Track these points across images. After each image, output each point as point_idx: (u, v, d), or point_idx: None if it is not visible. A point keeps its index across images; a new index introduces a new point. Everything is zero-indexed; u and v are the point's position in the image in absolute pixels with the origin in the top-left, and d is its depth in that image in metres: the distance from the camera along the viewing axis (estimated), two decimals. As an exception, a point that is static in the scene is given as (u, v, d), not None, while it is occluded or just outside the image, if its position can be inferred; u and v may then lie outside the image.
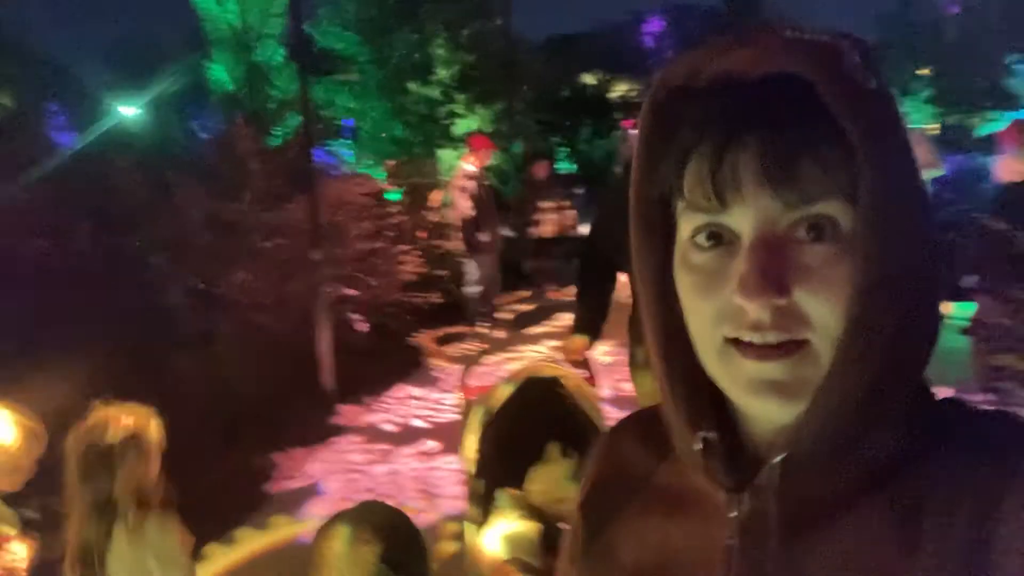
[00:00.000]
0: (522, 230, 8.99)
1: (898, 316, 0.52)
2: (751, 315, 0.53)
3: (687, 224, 0.58)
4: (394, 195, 8.33)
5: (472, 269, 7.33)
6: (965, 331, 4.16)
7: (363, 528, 1.60)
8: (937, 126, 16.80)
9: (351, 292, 5.71)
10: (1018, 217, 3.19)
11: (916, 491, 0.53)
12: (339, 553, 1.56)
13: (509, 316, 7.88)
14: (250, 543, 3.65)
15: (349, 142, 11.61)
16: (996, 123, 8.11)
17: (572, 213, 9.28)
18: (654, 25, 25.16)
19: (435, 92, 11.29)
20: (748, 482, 0.58)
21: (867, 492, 0.54)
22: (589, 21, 23.15)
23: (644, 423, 0.71)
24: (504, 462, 2.26)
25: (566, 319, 6.41)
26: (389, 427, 5.01)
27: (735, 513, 0.58)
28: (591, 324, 2.93)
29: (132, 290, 5.02)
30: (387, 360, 5.95)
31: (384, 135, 11.28)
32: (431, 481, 4.16)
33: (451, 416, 4.91)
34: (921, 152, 7.66)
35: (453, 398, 5.21)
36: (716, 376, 0.58)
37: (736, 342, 0.55)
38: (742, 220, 0.54)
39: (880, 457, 0.54)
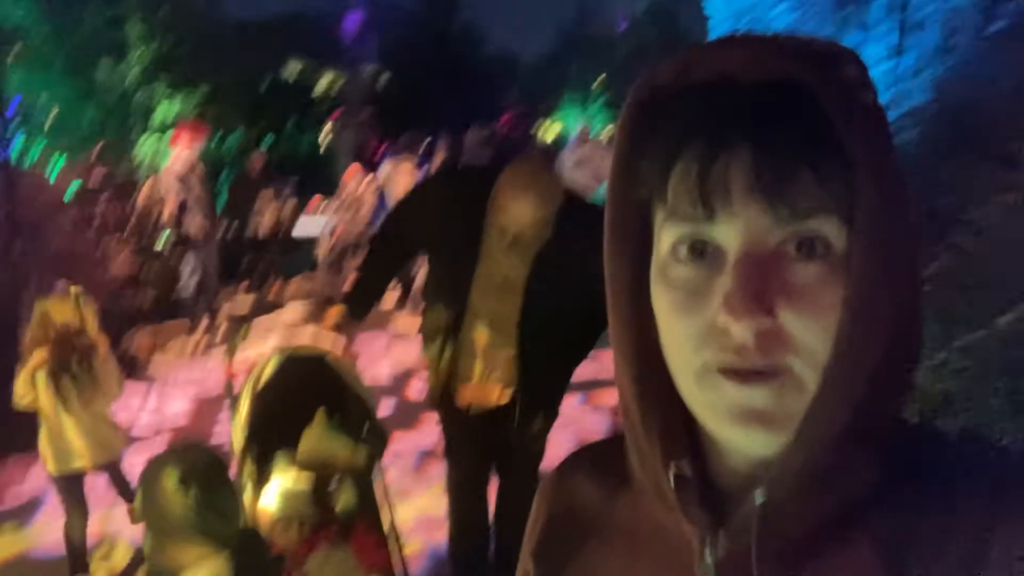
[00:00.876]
0: (242, 223, 8.75)
1: (885, 342, 0.49)
2: (735, 337, 0.49)
3: (668, 235, 0.53)
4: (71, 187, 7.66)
5: (188, 262, 7.01)
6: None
7: (185, 465, 1.82)
8: (611, 128, 19.06)
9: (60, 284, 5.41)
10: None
11: (900, 526, 0.50)
12: (167, 491, 1.77)
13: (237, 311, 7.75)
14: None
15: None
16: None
17: (292, 203, 9.17)
18: (355, 16, 25.47)
19: (132, 72, 10.67)
20: (722, 519, 0.54)
21: (849, 528, 0.51)
22: (288, 5, 22.63)
23: (595, 457, 0.68)
24: (273, 429, 2.55)
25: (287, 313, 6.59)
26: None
27: (710, 553, 0.54)
28: (361, 301, 2.79)
29: None
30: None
31: (72, 119, 10.44)
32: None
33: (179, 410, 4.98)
34: (601, 160, 8.85)
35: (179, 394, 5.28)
36: (693, 403, 0.54)
37: (718, 366, 0.51)
38: (729, 233, 0.50)
39: (862, 491, 0.51)
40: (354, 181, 8.27)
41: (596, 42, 22.59)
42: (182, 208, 6.81)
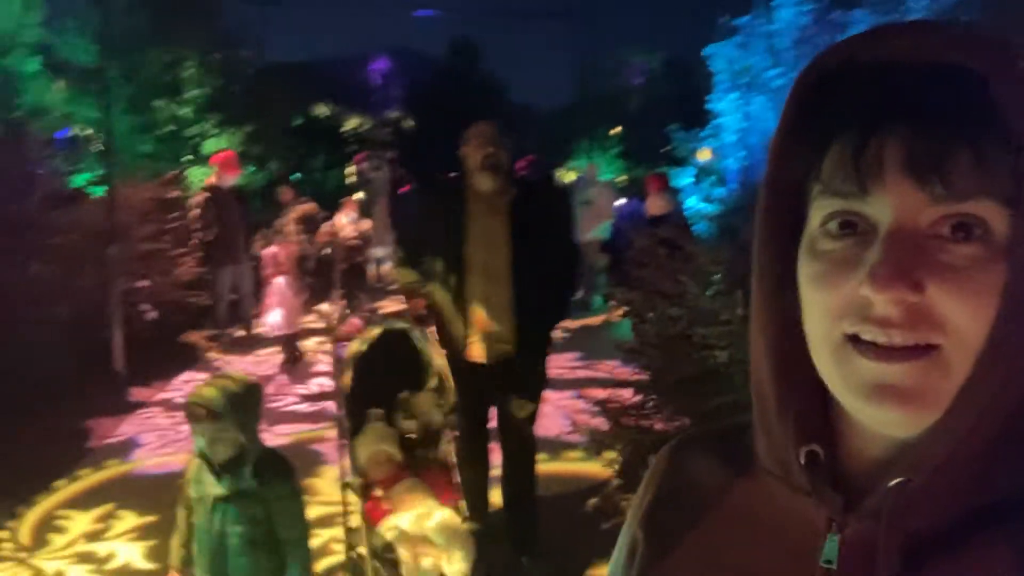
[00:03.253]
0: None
1: None
2: (878, 310, 0.49)
3: (820, 210, 0.53)
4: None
5: (222, 279, 7.27)
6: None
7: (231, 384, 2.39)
8: (625, 177, 20.07)
9: (142, 284, 6.33)
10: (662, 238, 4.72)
11: None
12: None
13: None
14: (89, 479, 4.36)
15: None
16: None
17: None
18: (381, 64, 26.64)
19: (186, 111, 11.73)
20: (853, 504, 0.53)
21: (989, 530, 0.49)
22: (317, 52, 23.85)
23: (713, 439, 0.68)
24: (369, 388, 3.16)
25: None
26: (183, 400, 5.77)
27: (838, 538, 0.53)
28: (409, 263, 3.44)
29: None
30: (171, 351, 6.63)
31: (132, 150, 11.45)
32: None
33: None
34: (606, 201, 9.71)
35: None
36: (829, 377, 0.53)
37: (856, 340, 0.50)
38: (881, 208, 0.50)
39: (1010, 493, 0.49)
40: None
41: (612, 95, 23.62)
42: (209, 227, 7.06)
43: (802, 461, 0.55)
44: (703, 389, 2.90)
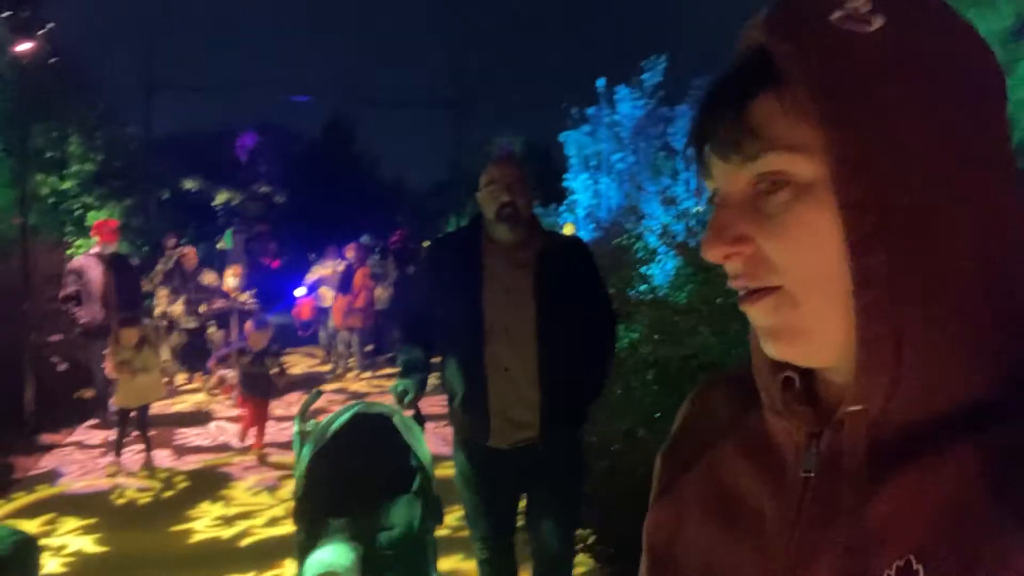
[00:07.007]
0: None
1: (957, 256, 0.51)
2: (727, 267, 0.57)
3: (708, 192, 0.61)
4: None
5: (95, 351, 6.60)
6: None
7: None
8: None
9: (54, 338, 6.91)
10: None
11: (1014, 443, 0.49)
12: None
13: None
14: (25, 498, 5.03)
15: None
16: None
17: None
18: (248, 140, 27.03)
19: (68, 185, 12.18)
20: (828, 420, 0.57)
21: (954, 437, 0.51)
22: (186, 125, 24.25)
23: (733, 377, 0.72)
24: (330, 490, 2.60)
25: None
26: (93, 440, 6.39)
27: (814, 448, 0.58)
28: (416, 373, 2.78)
29: None
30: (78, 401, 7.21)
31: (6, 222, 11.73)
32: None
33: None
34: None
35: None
36: None
37: None
38: (716, 183, 0.59)
39: (973, 401, 0.51)
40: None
41: (480, 171, 24.92)
42: (76, 299, 6.75)
43: (779, 385, 0.61)
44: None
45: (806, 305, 0.54)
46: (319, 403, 3.28)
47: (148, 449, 5.68)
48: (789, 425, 0.60)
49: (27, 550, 2.20)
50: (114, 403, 5.74)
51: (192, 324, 8.74)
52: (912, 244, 0.50)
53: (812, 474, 0.57)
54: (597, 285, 2.79)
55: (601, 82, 11.76)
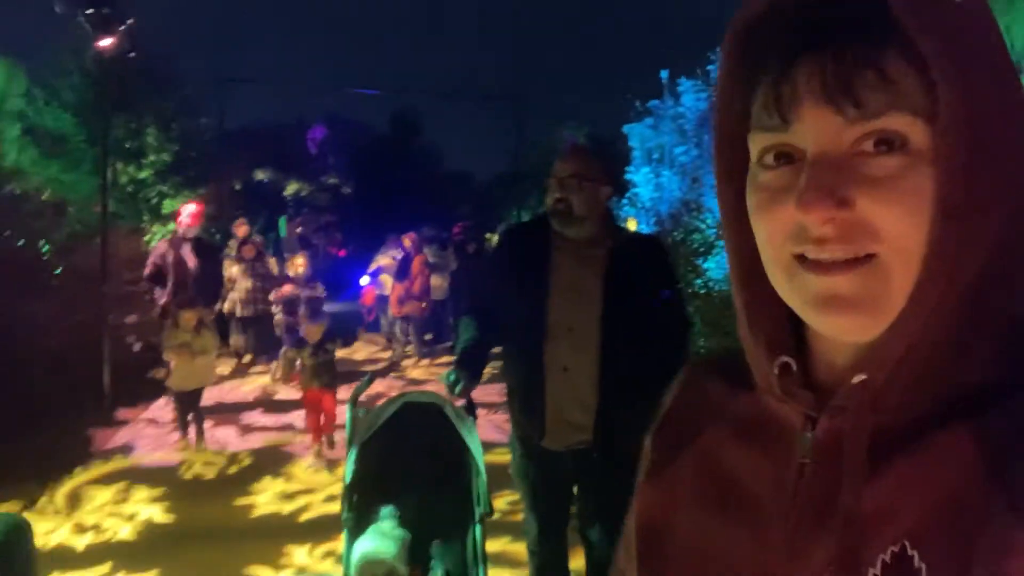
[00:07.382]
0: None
1: (994, 239, 0.50)
2: (813, 231, 0.52)
3: (755, 146, 0.57)
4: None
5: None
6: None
7: None
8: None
9: (130, 319, 7.26)
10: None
11: (1013, 428, 0.49)
12: None
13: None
14: (101, 468, 5.33)
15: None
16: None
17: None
18: (317, 132, 27.79)
19: (145, 174, 12.71)
20: (825, 405, 0.56)
21: (954, 421, 0.51)
22: (262, 119, 25.00)
23: (724, 360, 0.71)
24: (380, 480, 2.60)
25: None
26: (165, 418, 6.71)
27: (810, 433, 0.57)
28: (470, 364, 2.62)
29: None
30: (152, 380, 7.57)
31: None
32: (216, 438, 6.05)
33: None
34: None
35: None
36: (784, 294, 0.57)
37: (803, 259, 0.54)
38: (804, 137, 0.53)
39: (976, 386, 0.51)
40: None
41: (543, 164, 24.98)
42: (160, 280, 7.08)
43: (776, 371, 0.59)
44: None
45: (900, 276, 0.51)
46: (377, 387, 3.39)
47: (201, 429, 5.84)
48: (786, 409, 0.60)
49: (19, 533, 2.16)
50: (170, 384, 5.92)
51: (252, 312, 8.99)
52: (993, 222, 0.50)
53: (808, 460, 0.57)
54: (672, 288, 2.65)
55: (664, 74, 11.69)
